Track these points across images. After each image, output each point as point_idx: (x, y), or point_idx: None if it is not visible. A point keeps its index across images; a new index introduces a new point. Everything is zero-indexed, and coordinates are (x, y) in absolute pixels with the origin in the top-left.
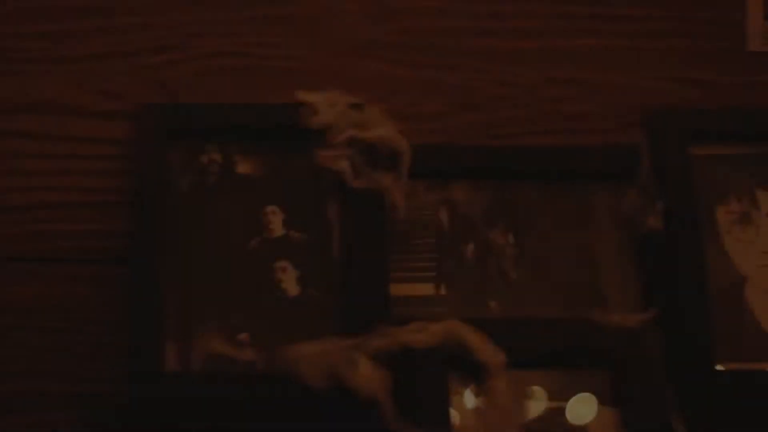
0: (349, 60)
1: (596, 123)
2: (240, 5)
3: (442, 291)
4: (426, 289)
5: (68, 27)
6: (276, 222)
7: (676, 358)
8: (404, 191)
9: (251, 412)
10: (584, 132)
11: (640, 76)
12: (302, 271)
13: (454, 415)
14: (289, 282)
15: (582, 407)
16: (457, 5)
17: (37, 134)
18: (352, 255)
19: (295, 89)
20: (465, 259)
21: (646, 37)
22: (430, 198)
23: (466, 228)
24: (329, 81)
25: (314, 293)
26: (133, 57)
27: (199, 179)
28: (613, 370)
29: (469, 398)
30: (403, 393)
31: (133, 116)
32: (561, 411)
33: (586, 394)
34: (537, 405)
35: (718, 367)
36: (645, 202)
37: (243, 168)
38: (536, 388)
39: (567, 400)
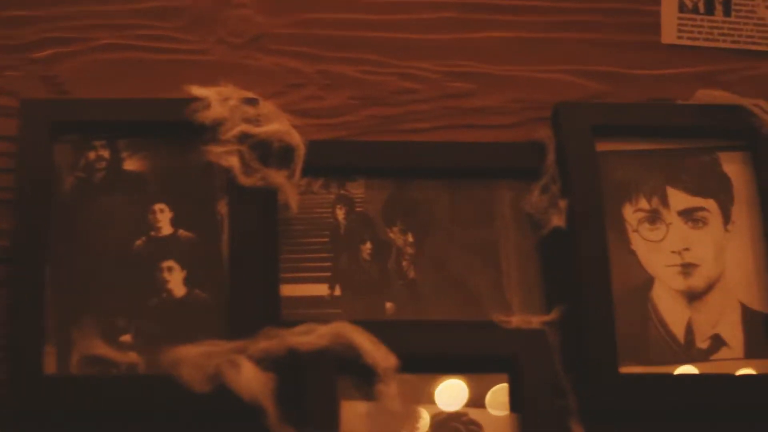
0: (245, 53)
1: (501, 118)
2: None
3: (337, 292)
4: (320, 289)
5: None
6: (164, 220)
7: (579, 361)
8: (298, 189)
9: (130, 415)
10: (489, 128)
11: (549, 70)
12: (189, 271)
13: (343, 420)
14: (176, 282)
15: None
16: None
17: None
18: (241, 255)
19: (189, 83)
20: (361, 259)
21: (555, 29)
22: (326, 196)
23: (363, 227)
24: (225, 75)
25: (201, 294)
26: (20, 51)
27: (86, 176)
28: (512, 374)
29: (359, 402)
30: (291, 396)
31: (18, 111)
32: (456, 416)
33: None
34: (431, 409)
35: (622, 370)
36: (549, 199)
37: (131, 164)
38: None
39: (463, 405)
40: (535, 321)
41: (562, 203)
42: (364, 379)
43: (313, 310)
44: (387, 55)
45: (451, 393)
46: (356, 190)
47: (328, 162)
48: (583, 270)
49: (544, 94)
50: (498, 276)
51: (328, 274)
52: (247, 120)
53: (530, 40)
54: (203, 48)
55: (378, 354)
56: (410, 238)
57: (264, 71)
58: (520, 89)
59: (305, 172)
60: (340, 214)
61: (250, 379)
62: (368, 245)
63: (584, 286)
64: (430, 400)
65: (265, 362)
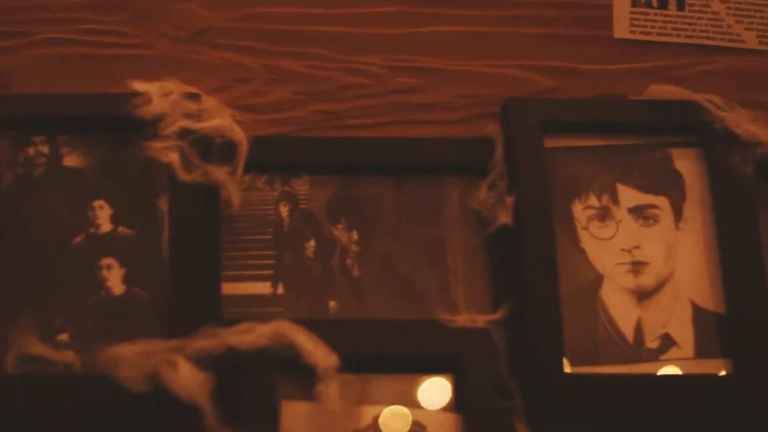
0: (189, 47)
1: (450, 114)
2: None
3: (280, 290)
4: (262, 287)
5: None
6: (103, 217)
7: (525, 361)
8: (241, 185)
9: (67, 415)
10: (437, 123)
11: (499, 65)
12: (129, 268)
13: (284, 420)
14: (114, 280)
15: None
16: None
17: None
18: (181, 252)
19: (133, 78)
20: (305, 257)
21: (505, 23)
22: (270, 192)
23: (307, 224)
24: (168, 69)
25: (140, 292)
26: None
27: (24, 172)
28: (457, 374)
29: (300, 403)
30: (231, 397)
31: None
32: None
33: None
34: (372, 410)
35: (569, 370)
36: (497, 196)
37: (70, 161)
38: None
39: (409, 406)
40: (481, 320)
41: (510, 200)
42: (305, 378)
43: (256, 309)
44: (334, 49)
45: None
46: (300, 186)
47: (272, 158)
48: (530, 268)
49: (494, 89)
50: (444, 274)
51: (271, 272)
52: (189, 115)
53: (480, 34)
54: (147, 42)
55: (318, 353)
56: (355, 236)
57: (209, 66)
58: (469, 84)
59: (249, 169)
60: (284, 211)
61: (187, 379)
62: (312, 243)
63: (531, 284)
64: (374, 400)
65: (203, 362)
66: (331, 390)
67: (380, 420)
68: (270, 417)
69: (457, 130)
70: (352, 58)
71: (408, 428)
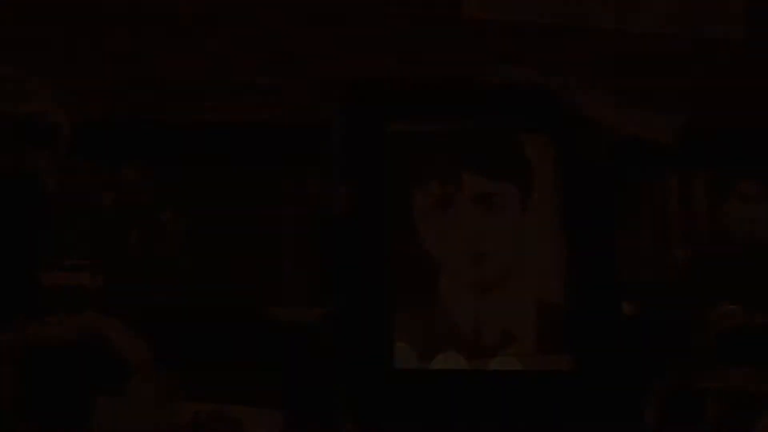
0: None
1: (289, 98)
2: None
3: (100, 281)
4: (81, 278)
5: None
6: None
7: (351, 357)
8: (61, 172)
9: None
10: (276, 107)
11: (343, 48)
12: None
13: (97, 417)
14: None
15: None
16: None
17: None
18: None
19: None
20: (128, 246)
21: (347, 3)
22: (94, 179)
23: (133, 212)
24: None
25: None
26: None
27: None
28: (280, 370)
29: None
30: (38, 392)
31: None
32: (219, 414)
33: None
34: (192, 407)
35: (399, 366)
36: (332, 184)
37: None
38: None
39: (230, 402)
40: (309, 314)
41: (343, 188)
42: (119, 373)
43: (73, 300)
44: (167, 28)
45: None
46: (127, 173)
47: (99, 144)
48: (362, 259)
49: (336, 72)
50: (275, 265)
51: (92, 261)
52: (7, 97)
53: (324, 15)
54: None
55: (132, 347)
56: (183, 224)
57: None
58: (310, 66)
59: (73, 154)
60: (108, 198)
61: None
62: (136, 231)
63: (362, 276)
64: (189, 396)
65: (7, 355)
66: (144, 385)
67: None
68: (81, 413)
69: (296, 115)
70: (188, 40)
71: None
